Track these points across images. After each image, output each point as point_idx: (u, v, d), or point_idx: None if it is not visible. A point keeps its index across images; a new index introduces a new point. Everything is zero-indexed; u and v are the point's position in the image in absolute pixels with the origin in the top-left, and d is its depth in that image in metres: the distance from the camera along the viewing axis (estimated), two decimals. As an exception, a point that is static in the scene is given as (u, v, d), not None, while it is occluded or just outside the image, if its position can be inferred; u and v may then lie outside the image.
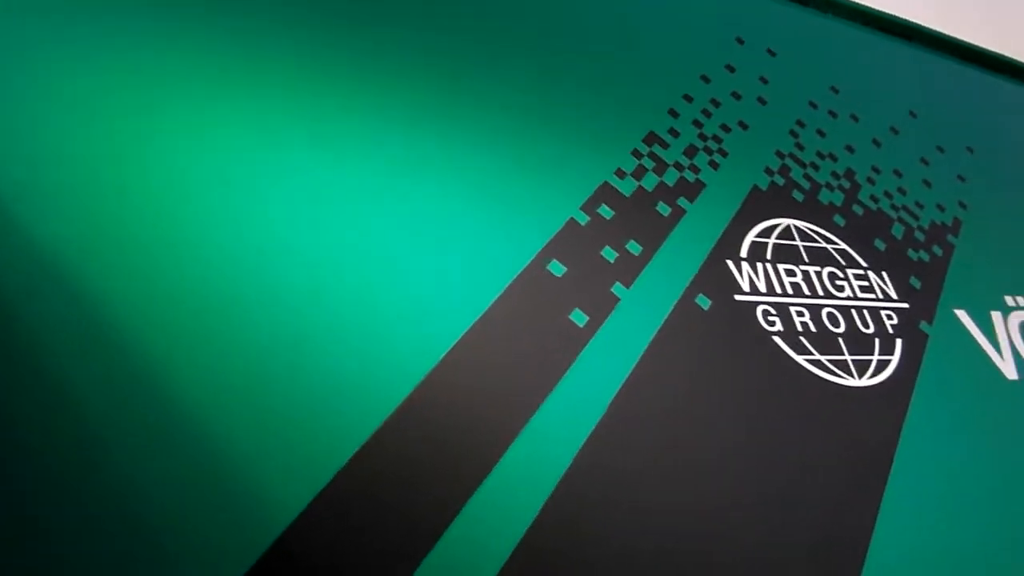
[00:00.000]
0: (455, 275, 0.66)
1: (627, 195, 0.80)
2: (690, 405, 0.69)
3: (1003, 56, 1.23)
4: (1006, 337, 0.93)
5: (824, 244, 0.89)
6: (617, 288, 0.73)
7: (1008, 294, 0.98)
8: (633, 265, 0.75)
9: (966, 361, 0.88)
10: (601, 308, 0.70)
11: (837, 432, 0.74)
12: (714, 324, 0.75)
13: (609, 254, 0.75)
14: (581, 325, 0.68)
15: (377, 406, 0.56)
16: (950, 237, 1.00)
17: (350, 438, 0.53)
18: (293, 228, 0.60)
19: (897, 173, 1.03)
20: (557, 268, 0.71)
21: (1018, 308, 0.98)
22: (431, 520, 0.53)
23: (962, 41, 1.21)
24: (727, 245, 0.82)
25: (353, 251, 0.63)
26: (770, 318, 0.78)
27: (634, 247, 0.76)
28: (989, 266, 1.00)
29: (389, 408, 0.56)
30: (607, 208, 0.78)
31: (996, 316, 0.95)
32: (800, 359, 0.77)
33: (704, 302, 0.76)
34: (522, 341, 0.65)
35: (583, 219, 0.76)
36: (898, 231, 0.96)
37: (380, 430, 0.55)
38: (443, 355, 0.60)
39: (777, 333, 0.77)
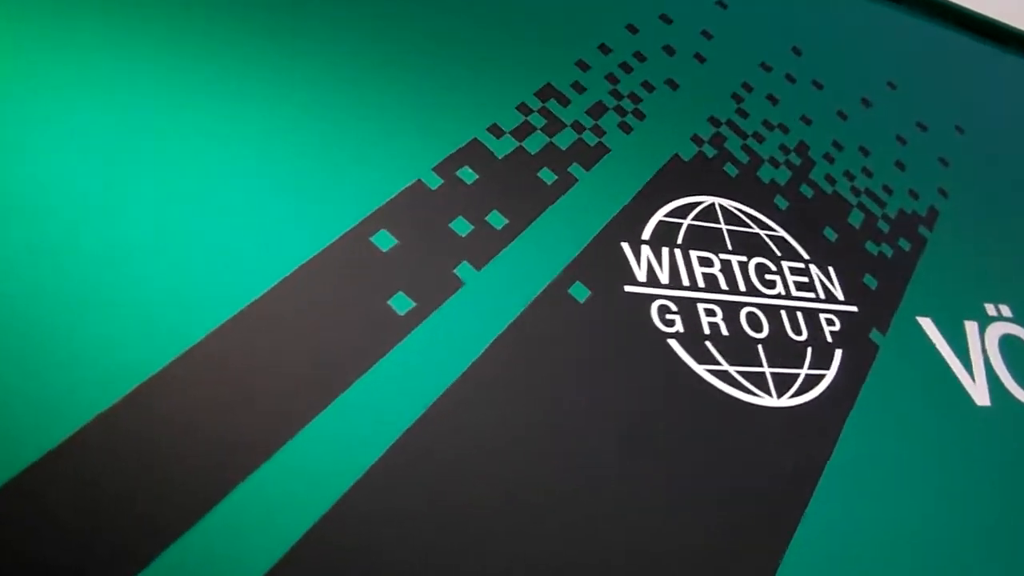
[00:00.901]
0: (236, 246, 0.51)
1: (499, 157, 0.64)
2: (542, 426, 0.54)
3: (1003, 23, 1.06)
4: (980, 354, 0.77)
5: (757, 230, 0.72)
6: (463, 269, 0.57)
7: (989, 301, 0.81)
8: (491, 242, 0.60)
9: (925, 381, 0.71)
10: (434, 293, 0.55)
11: (739, 465, 0.58)
12: (590, 320, 0.59)
13: (461, 227, 0.59)
14: (401, 313, 0.53)
15: (72, 417, 0.41)
16: (922, 229, 0.83)
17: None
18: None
19: (864, 151, 0.86)
20: (385, 240, 0.56)
21: (1000, 319, 0.81)
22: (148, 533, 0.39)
23: (956, 4, 1.04)
24: (626, 224, 0.66)
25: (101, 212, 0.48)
26: (668, 316, 0.63)
27: (497, 219, 0.61)
28: (968, 267, 0.83)
29: (86, 417, 0.41)
30: (470, 171, 0.62)
31: (971, 327, 0.78)
32: (701, 370, 0.61)
33: (581, 292, 0.60)
34: (308, 331, 0.50)
35: (434, 182, 0.60)
36: (856, 219, 0.79)
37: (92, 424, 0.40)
38: (177, 355, 0.45)
39: (675, 335, 0.62)
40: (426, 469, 0.48)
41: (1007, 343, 0.79)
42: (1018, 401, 0.75)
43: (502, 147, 0.65)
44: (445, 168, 0.61)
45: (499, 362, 0.54)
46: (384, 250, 0.56)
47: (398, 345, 0.52)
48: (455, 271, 0.57)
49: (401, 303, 0.54)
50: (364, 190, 0.58)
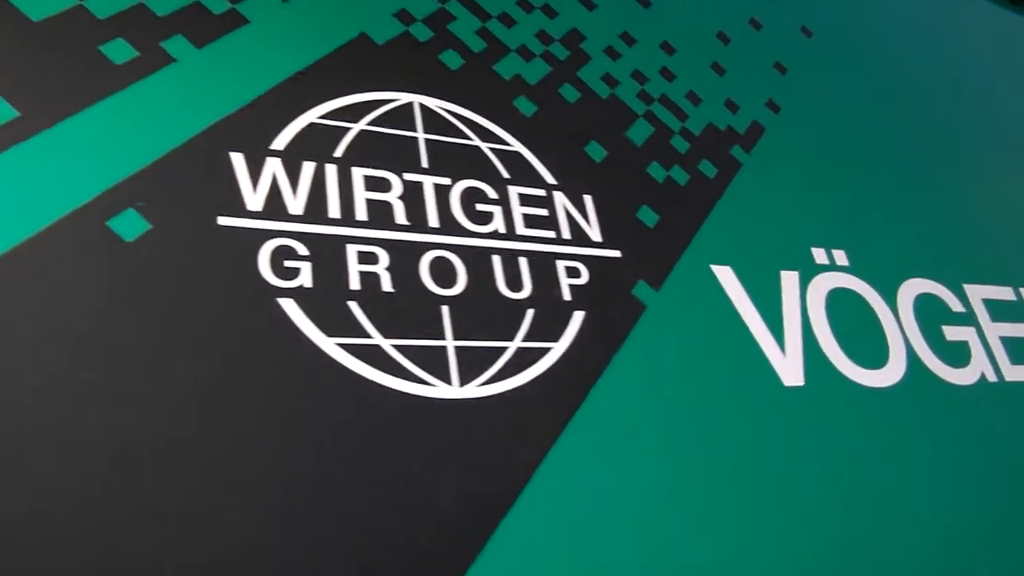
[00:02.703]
0: None
1: (36, 20, 0.41)
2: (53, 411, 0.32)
3: None
4: (798, 315, 0.57)
5: (478, 142, 0.51)
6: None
7: (819, 245, 0.62)
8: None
9: (710, 356, 0.51)
10: None
11: (388, 482, 0.37)
12: (137, 268, 0.37)
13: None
14: None
15: None
16: (737, 151, 0.62)
17: None
18: None
19: (667, 48, 0.65)
20: None
21: (832, 268, 0.61)
22: None
23: None
24: (248, 125, 0.44)
25: None
26: (290, 263, 0.41)
27: (6, 110, 0.38)
28: (794, 200, 0.63)
29: None
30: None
31: (789, 280, 0.58)
32: (329, 344, 0.40)
33: (131, 224, 0.38)
34: None
35: None
36: (640, 133, 0.58)
37: None
38: None
39: (293, 292, 0.40)
40: None
41: (838, 299, 0.59)
42: (842, 378, 0.56)
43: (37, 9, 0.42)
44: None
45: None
46: None
47: None
48: None
49: None
50: None
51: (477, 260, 0.46)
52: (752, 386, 0.52)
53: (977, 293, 0.68)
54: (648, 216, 0.54)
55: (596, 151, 0.55)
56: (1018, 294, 0.71)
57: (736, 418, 0.50)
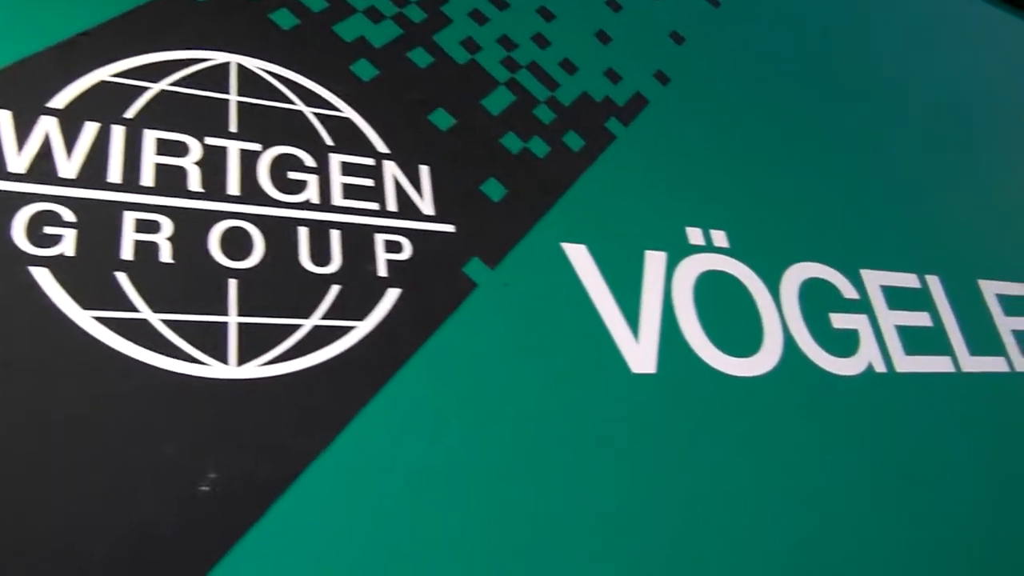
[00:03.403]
0: None
1: None
2: None
3: None
4: (659, 299, 0.53)
5: (302, 107, 0.47)
6: None
7: (695, 224, 0.58)
8: None
9: (546, 340, 0.48)
10: None
11: (134, 468, 0.35)
12: None
13: None
14: None
15: None
16: (613, 123, 0.59)
17: None
18: None
19: (545, 13, 0.61)
20: None
21: (708, 249, 0.58)
22: None
23: None
24: (22, 81, 0.41)
25: None
26: (51, 230, 0.38)
27: None
28: (673, 177, 0.60)
29: None
30: None
31: (653, 260, 0.55)
32: (85, 317, 0.37)
33: None
34: None
35: None
36: (498, 102, 0.55)
37: None
38: None
39: (50, 261, 0.37)
40: None
41: (711, 283, 0.56)
42: (702, 366, 0.52)
43: None
44: None
45: None
46: None
47: None
48: None
49: None
50: None
51: (279, 231, 0.43)
52: (593, 372, 0.49)
53: (875, 279, 0.65)
54: (494, 189, 0.51)
55: (442, 119, 0.52)
56: (923, 281, 0.68)
57: (568, 407, 0.47)
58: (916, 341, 0.64)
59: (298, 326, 0.41)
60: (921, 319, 0.65)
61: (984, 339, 0.68)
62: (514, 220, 0.50)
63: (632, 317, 0.51)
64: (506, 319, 0.47)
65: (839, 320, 0.60)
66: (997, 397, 0.66)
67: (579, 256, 0.52)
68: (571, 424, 0.46)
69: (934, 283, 0.68)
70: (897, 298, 0.65)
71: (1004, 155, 0.88)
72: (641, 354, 0.51)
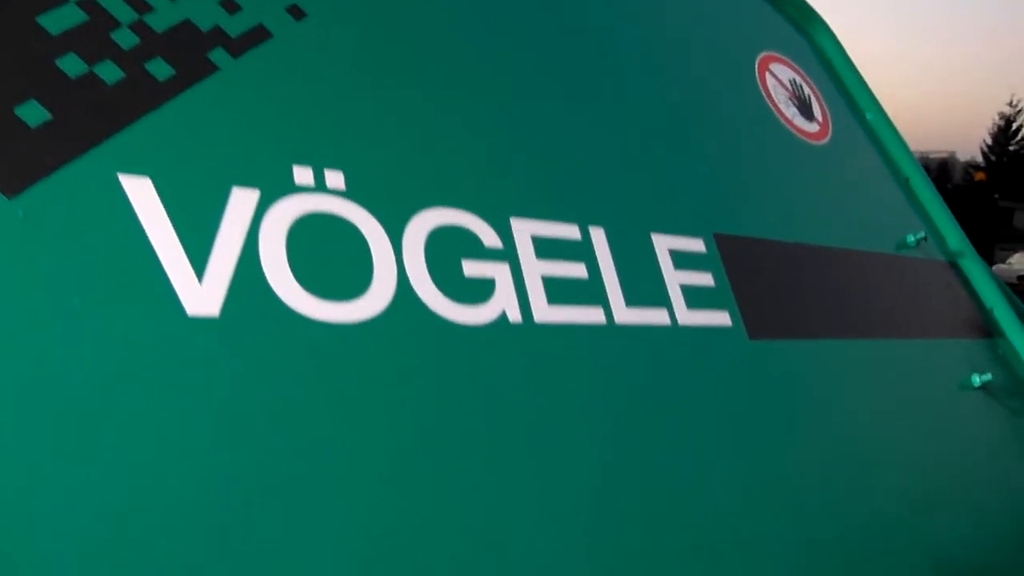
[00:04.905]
0: None
1: None
2: None
3: None
4: (240, 238, 0.50)
5: None
6: None
7: (304, 163, 0.55)
8: None
9: (78, 277, 0.44)
10: None
11: None
12: None
13: None
14: None
15: None
16: (218, 54, 0.54)
17: None
18: None
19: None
20: None
21: (319, 190, 0.54)
22: None
23: None
24: None
25: None
26: None
27: None
28: (283, 113, 0.56)
29: None
30: None
31: (241, 198, 0.51)
32: None
33: None
34: None
35: None
36: (59, 21, 0.49)
37: None
38: None
39: None
40: None
41: (312, 224, 0.53)
42: (282, 308, 0.49)
43: None
44: None
45: None
46: None
47: None
48: None
49: None
50: None
51: None
52: (134, 314, 0.44)
53: (527, 229, 0.63)
54: (33, 113, 0.46)
55: (-23, 35, 0.46)
56: (584, 232, 0.67)
57: (93, 352, 0.42)
58: (564, 292, 0.62)
59: None
60: (575, 270, 0.64)
61: (646, 291, 0.68)
62: (53, 148, 0.45)
63: (198, 256, 0.47)
64: (23, 253, 0.42)
65: (473, 268, 0.58)
66: (655, 349, 0.66)
67: (140, 188, 0.47)
68: (111, 368, 0.42)
69: (598, 234, 0.67)
70: (549, 248, 0.63)
71: (700, 110, 0.89)
72: (203, 296, 0.47)
